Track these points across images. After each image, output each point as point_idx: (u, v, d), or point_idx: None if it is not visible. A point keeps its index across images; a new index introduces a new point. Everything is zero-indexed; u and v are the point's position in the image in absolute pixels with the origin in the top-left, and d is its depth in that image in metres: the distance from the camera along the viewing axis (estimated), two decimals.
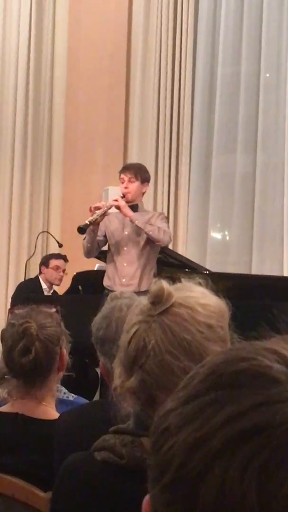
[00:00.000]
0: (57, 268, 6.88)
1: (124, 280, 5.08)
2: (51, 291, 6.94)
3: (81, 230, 5.04)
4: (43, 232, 8.26)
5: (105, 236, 5.20)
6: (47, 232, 8.32)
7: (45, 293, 6.82)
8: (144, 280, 5.08)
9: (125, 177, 5.14)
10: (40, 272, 6.98)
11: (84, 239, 5.16)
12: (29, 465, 2.05)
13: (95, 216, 4.93)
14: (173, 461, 0.57)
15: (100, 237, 5.16)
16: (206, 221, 8.10)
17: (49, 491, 1.88)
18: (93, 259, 6.05)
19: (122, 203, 5.05)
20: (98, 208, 4.98)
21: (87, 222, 4.97)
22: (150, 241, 5.10)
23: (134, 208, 5.14)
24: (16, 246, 8.54)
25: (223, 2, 8.14)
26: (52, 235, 7.94)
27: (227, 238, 8.26)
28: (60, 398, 2.41)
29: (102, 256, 5.66)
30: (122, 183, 5.16)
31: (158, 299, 1.28)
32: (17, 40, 8.69)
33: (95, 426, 1.81)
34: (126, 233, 5.15)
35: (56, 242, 7.54)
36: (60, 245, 7.39)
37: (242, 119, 7.99)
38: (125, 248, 5.14)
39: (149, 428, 0.64)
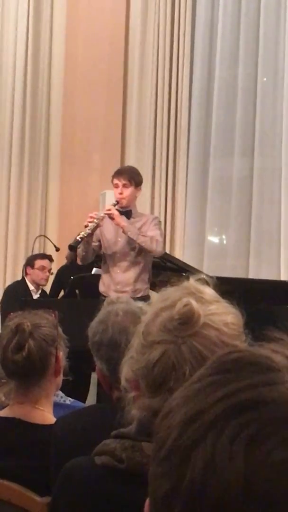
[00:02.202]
0: (42, 268, 6.86)
1: (118, 286, 5.07)
2: (39, 291, 6.92)
3: (72, 248, 5.05)
4: (40, 236, 8.25)
5: (100, 241, 5.19)
6: (44, 236, 8.30)
7: (33, 295, 6.79)
8: (138, 286, 5.08)
9: (119, 182, 5.08)
10: (26, 274, 6.94)
11: (79, 247, 5.14)
12: (26, 469, 2.05)
13: (86, 230, 4.91)
14: (170, 435, 0.60)
15: (95, 243, 5.14)
16: (203, 225, 8.11)
17: (46, 495, 1.87)
18: None
19: (115, 212, 5.01)
20: (92, 219, 4.95)
21: (78, 238, 4.95)
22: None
23: (128, 214, 5.12)
24: (13, 249, 8.53)
25: (221, 6, 8.15)
26: (49, 239, 7.93)
27: (225, 242, 8.26)
28: (56, 402, 2.41)
29: (99, 260, 5.65)
30: (116, 188, 5.11)
31: (188, 320, 1.26)
32: (15, 43, 8.69)
33: (92, 430, 1.81)
34: (119, 239, 5.12)
35: (53, 246, 7.53)
36: (57, 249, 7.37)
37: (239, 123, 8.00)
38: (118, 255, 5.13)
39: (151, 434, 0.65)
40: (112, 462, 1.30)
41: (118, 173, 5.16)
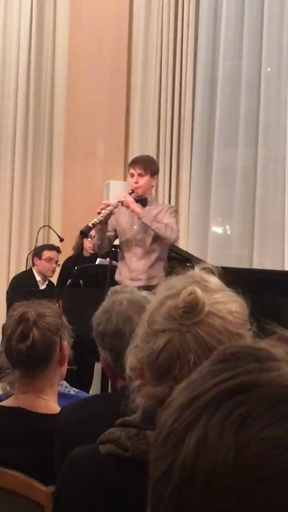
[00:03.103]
0: (50, 259, 6.87)
1: (133, 274, 5.07)
2: (46, 282, 6.92)
3: (83, 233, 5.03)
4: (44, 226, 8.26)
5: (115, 230, 5.18)
6: (48, 226, 8.31)
7: (40, 285, 6.80)
8: (153, 274, 5.07)
9: (135, 172, 5.10)
10: (33, 264, 6.95)
11: (94, 237, 5.14)
12: (30, 459, 2.05)
13: (99, 217, 4.91)
14: (168, 420, 0.62)
15: (111, 232, 5.14)
16: (207, 215, 8.10)
17: (50, 485, 1.88)
18: None
19: (129, 199, 5.01)
20: (105, 206, 4.94)
21: (90, 225, 4.94)
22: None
23: (143, 202, 5.11)
24: (17, 240, 8.54)
25: None
26: (53, 229, 7.94)
27: (228, 232, 8.25)
28: (61, 392, 2.41)
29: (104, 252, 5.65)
30: (132, 177, 5.12)
31: (193, 308, 1.25)
32: (18, 35, 8.68)
33: (96, 420, 1.81)
34: (135, 227, 5.12)
35: (57, 236, 7.53)
36: (61, 239, 7.38)
37: (243, 113, 7.98)
38: (134, 243, 5.13)
39: (155, 422, 0.66)
40: (117, 450, 1.30)
41: (134, 162, 5.18)
